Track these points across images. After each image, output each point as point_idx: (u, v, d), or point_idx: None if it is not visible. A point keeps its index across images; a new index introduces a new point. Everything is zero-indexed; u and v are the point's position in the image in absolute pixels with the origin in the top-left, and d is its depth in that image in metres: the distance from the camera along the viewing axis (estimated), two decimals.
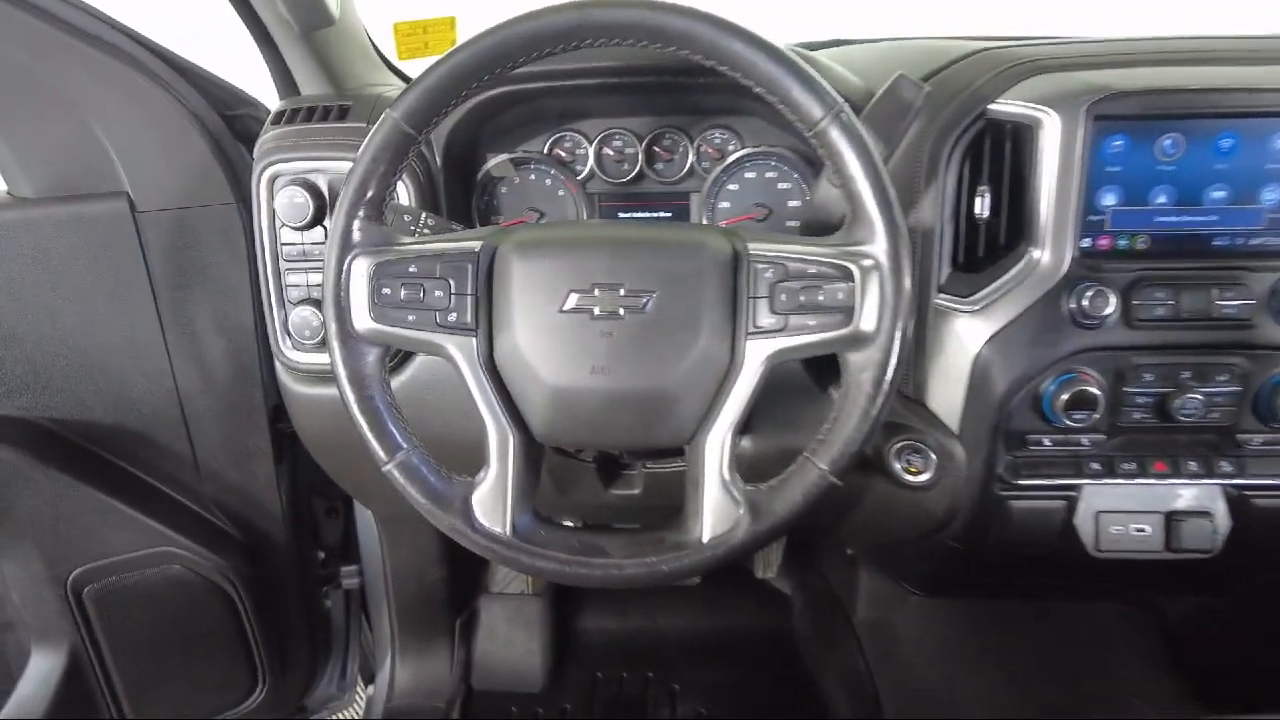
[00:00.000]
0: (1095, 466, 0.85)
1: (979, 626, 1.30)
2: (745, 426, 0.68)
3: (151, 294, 1.04)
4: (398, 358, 0.92)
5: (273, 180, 0.91)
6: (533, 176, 1.02)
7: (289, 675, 1.32)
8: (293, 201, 0.88)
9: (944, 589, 1.21)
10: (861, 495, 0.92)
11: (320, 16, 0.95)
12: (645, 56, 0.87)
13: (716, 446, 0.65)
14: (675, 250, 0.66)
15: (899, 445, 0.84)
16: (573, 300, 0.65)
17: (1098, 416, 0.81)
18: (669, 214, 1.03)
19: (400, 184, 0.88)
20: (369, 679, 1.52)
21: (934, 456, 0.83)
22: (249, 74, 1.08)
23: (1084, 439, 0.84)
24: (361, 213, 0.66)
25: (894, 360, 0.62)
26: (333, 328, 0.66)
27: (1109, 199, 0.82)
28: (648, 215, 1.04)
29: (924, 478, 0.84)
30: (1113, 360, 0.81)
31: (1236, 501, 0.84)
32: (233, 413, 1.12)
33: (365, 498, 1.23)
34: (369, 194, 0.66)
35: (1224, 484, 0.83)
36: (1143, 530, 0.85)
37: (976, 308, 0.82)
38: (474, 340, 0.66)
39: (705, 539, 0.65)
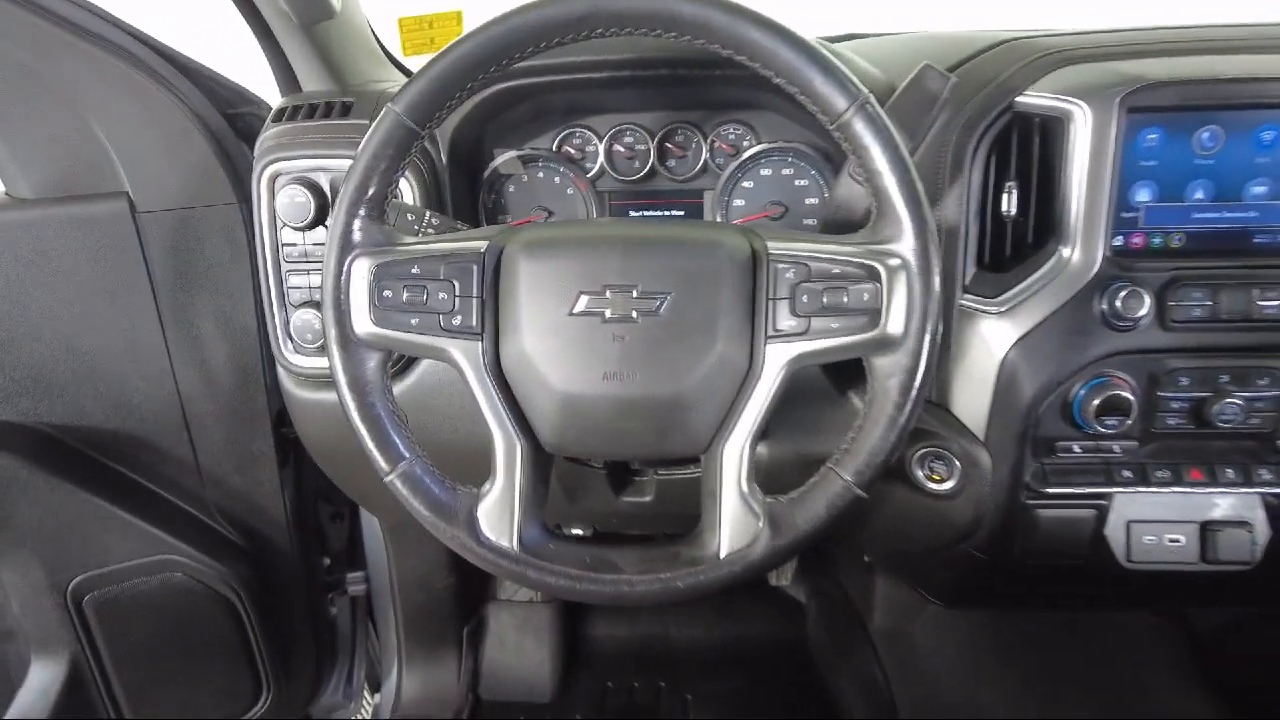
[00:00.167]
0: (1127, 474, 0.82)
1: (1001, 636, 1.26)
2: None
3: (152, 296, 1.02)
4: (401, 362, 0.89)
5: (273, 179, 0.89)
6: (541, 174, 0.99)
7: (294, 683, 1.31)
8: (294, 201, 0.86)
9: (966, 600, 1.17)
10: (881, 503, 0.89)
11: (320, 9, 0.93)
12: (658, 48, 0.84)
13: (734, 456, 0.62)
14: (690, 249, 0.63)
15: (921, 452, 0.81)
16: (583, 303, 0.62)
17: (1130, 422, 0.78)
18: (681, 212, 1.00)
19: (404, 182, 0.86)
20: (375, 686, 1.50)
21: (958, 464, 0.81)
22: (253, 72, 1.06)
23: (1115, 446, 0.81)
24: (362, 211, 0.63)
25: (923, 366, 0.59)
26: (332, 332, 0.64)
27: (1143, 195, 0.78)
28: (660, 214, 1.01)
29: (948, 486, 0.81)
30: (1146, 364, 0.78)
31: (1276, 510, 0.80)
32: (235, 417, 1.11)
33: (371, 505, 1.20)
34: (370, 192, 0.63)
35: (1263, 493, 0.80)
36: (1177, 541, 0.82)
37: (1003, 309, 0.79)
38: (479, 345, 0.63)
39: (722, 554, 0.62)
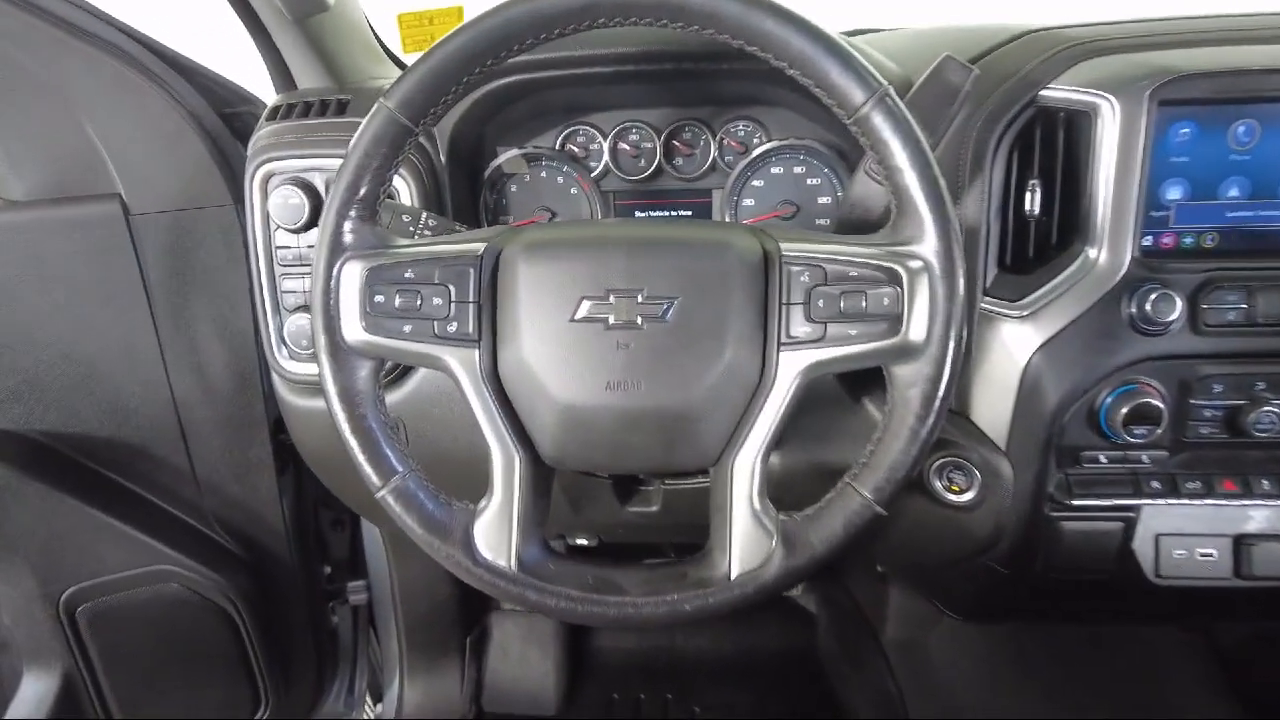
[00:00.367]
0: (1156, 485, 0.79)
1: (1020, 649, 1.23)
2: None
3: (147, 300, 1.00)
4: (398, 368, 0.87)
5: (266, 179, 0.86)
6: (543, 174, 0.97)
7: (293, 693, 1.29)
8: (287, 202, 0.83)
9: (984, 614, 1.14)
10: (897, 514, 0.85)
11: (313, 2, 0.90)
12: (664, 40, 0.81)
13: (746, 470, 0.59)
14: (699, 251, 0.60)
15: (940, 461, 0.78)
16: (585, 308, 0.59)
17: (1160, 431, 0.76)
18: (689, 213, 0.98)
19: (401, 182, 0.84)
20: (377, 696, 1.48)
21: (978, 474, 0.78)
22: (252, 71, 1.04)
23: (1144, 456, 0.79)
24: (353, 213, 0.61)
25: (947, 374, 0.56)
26: (321, 339, 0.61)
27: (1174, 193, 0.76)
28: (666, 214, 0.99)
29: (967, 497, 0.79)
30: (1178, 370, 0.76)
31: None
32: (233, 424, 1.09)
33: (370, 514, 1.18)
34: (361, 192, 0.60)
35: None
36: (1209, 555, 0.79)
37: (1026, 313, 0.76)
38: (476, 353, 0.60)
39: (733, 575, 0.59)
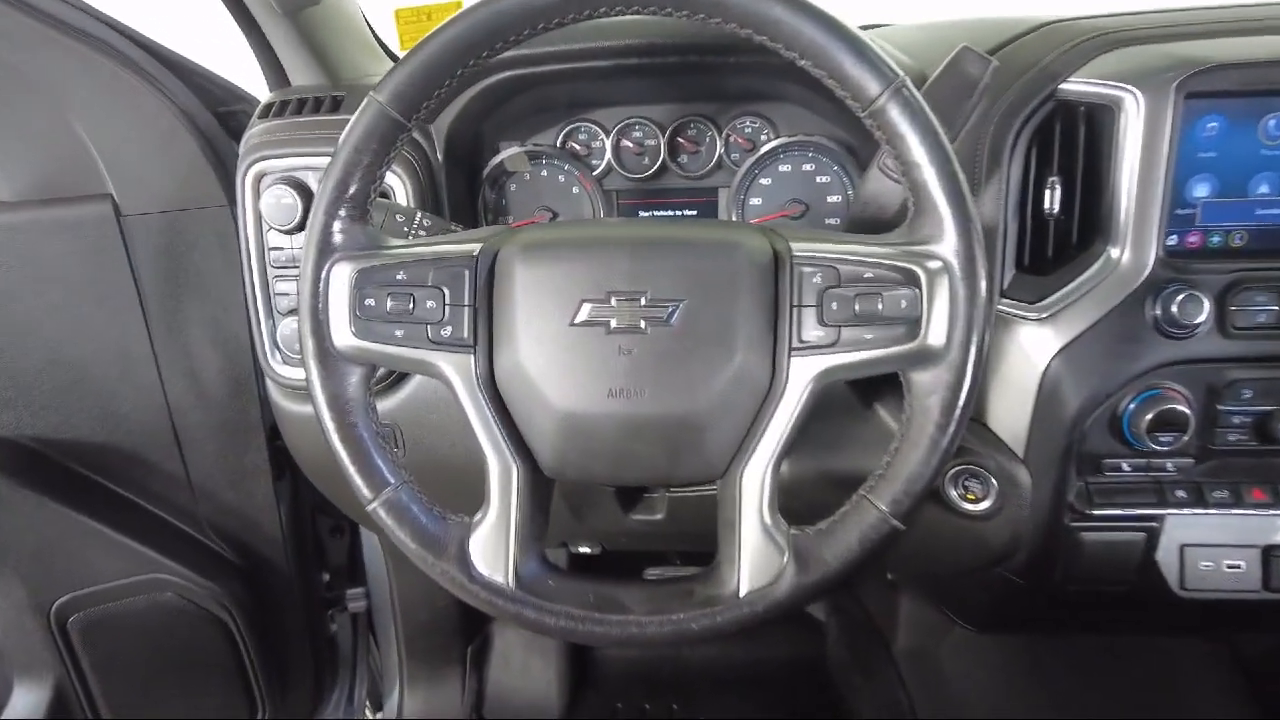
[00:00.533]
0: (1181, 494, 0.76)
1: (1035, 659, 1.20)
2: None
3: (140, 303, 0.99)
4: (394, 374, 0.84)
5: (259, 179, 0.85)
6: (544, 172, 0.95)
7: (291, 702, 1.27)
8: (280, 202, 0.81)
9: (998, 625, 1.11)
10: (910, 522, 0.83)
11: None
12: (668, 32, 0.79)
13: (755, 482, 0.56)
14: (705, 251, 0.57)
15: (955, 470, 0.76)
16: (586, 311, 0.56)
17: (1186, 439, 0.73)
18: (694, 212, 0.96)
19: (396, 181, 0.82)
20: (377, 705, 1.46)
21: (995, 482, 0.77)
22: (248, 69, 1.02)
23: (1169, 464, 0.76)
24: (343, 212, 0.58)
25: (969, 381, 0.53)
26: (309, 344, 0.58)
27: (1201, 190, 0.73)
28: (671, 214, 0.96)
29: (983, 506, 0.77)
30: (1205, 374, 0.73)
31: None
32: (228, 429, 1.07)
33: (368, 522, 1.15)
34: (351, 190, 0.58)
35: None
36: (1236, 566, 0.76)
37: (1044, 315, 0.74)
38: (471, 358, 0.58)
39: (742, 593, 0.56)
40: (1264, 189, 0.72)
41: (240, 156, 0.85)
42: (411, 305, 0.57)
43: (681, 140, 0.93)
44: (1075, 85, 0.73)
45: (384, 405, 0.86)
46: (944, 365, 0.54)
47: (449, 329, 0.58)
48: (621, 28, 0.80)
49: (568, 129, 0.93)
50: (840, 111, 0.85)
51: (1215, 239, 0.74)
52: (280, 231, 0.83)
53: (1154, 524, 0.76)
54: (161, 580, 1.07)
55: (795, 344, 0.55)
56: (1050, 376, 0.74)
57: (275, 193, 0.81)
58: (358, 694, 1.43)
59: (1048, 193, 0.75)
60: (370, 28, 1.06)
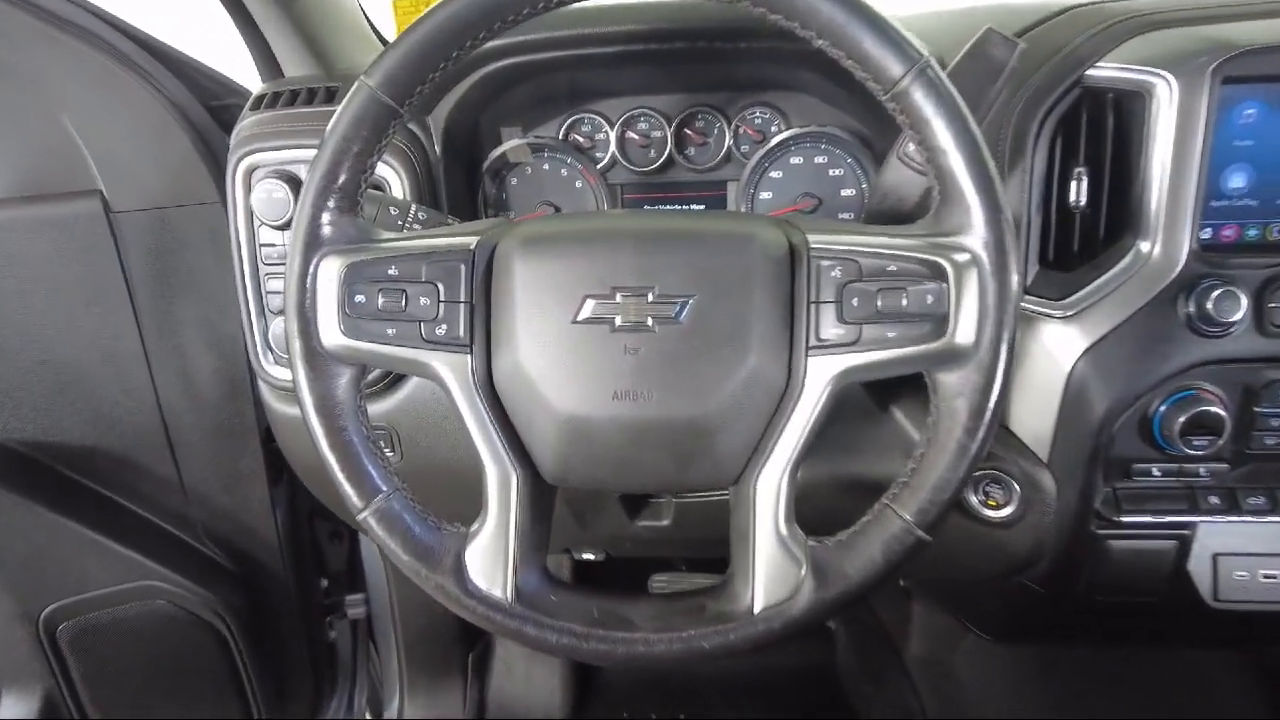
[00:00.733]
0: (1214, 501, 0.74)
1: (1053, 669, 1.17)
2: None
3: (130, 303, 0.97)
4: (390, 374, 0.81)
5: (249, 173, 0.82)
6: (546, 166, 0.92)
7: (289, 711, 1.25)
8: (271, 196, 0.78)
9: (1017, 635, 1.08)
10: (936, 534, 0.80)
11: None
12: (675, 17, 0.77)
13: (770, 490, 0.53)
14: (716, 244, 0.54)
15: (977, 475, 0.74)
16: (589, 308, 0.53)
17: (1222, 442, 0.71)
18: (702, 206, 0.93)
19: (392, 174, 0.80)
20: (378, 712, 1.45)
21: (1017, 488, 0.75)
22: (242, 62, 0.99)
23: (1202, 468, 0.74)
24: (331, 203, 0.55)
25: (998, 382, 0.50)
26: (296, 344, 0.55)
27: (1237, 180, 0.70)
28: (678, 208, 0.94)
29: (1005, 512, 0.75)
30: (1241, 374, 0.71)
31: None
32: (222, 432, 1.06)
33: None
34: (340, 180, 0.55)
35: None
36: (1273, 577, 0.74)
37: (1070, 313, 0.72)
38: (468, 358, 0.55)
39: (757, 609, 0.53)
40: None
41: (230, 149, 0.83)
42: (404, 302, 0.54)
43: (689, 132, 0.90)
44: (1103, 71, 0.70)
45: (380, 407, 0.84)
46: (972, 365, 0.50)
47: (444, 327, 0.55)
48: (626, 12, 0.78)
49: (570, 120, 0.91)
50: (855, 101, 0.83)
51: (1252, 232, 0.71)
52: (272, 227, 0.81)
53: (1186, 532, 0.74)
54: (154, 587, 1.05)
55: (813, 343, 0.52)
56: (1076, 377, 0.72)
57: (266, 186, 0.78)
58: (357, 702, 1.41)
59: (1073, 184, 0.72)
60: (366, 17, 1.04)
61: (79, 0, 0.93)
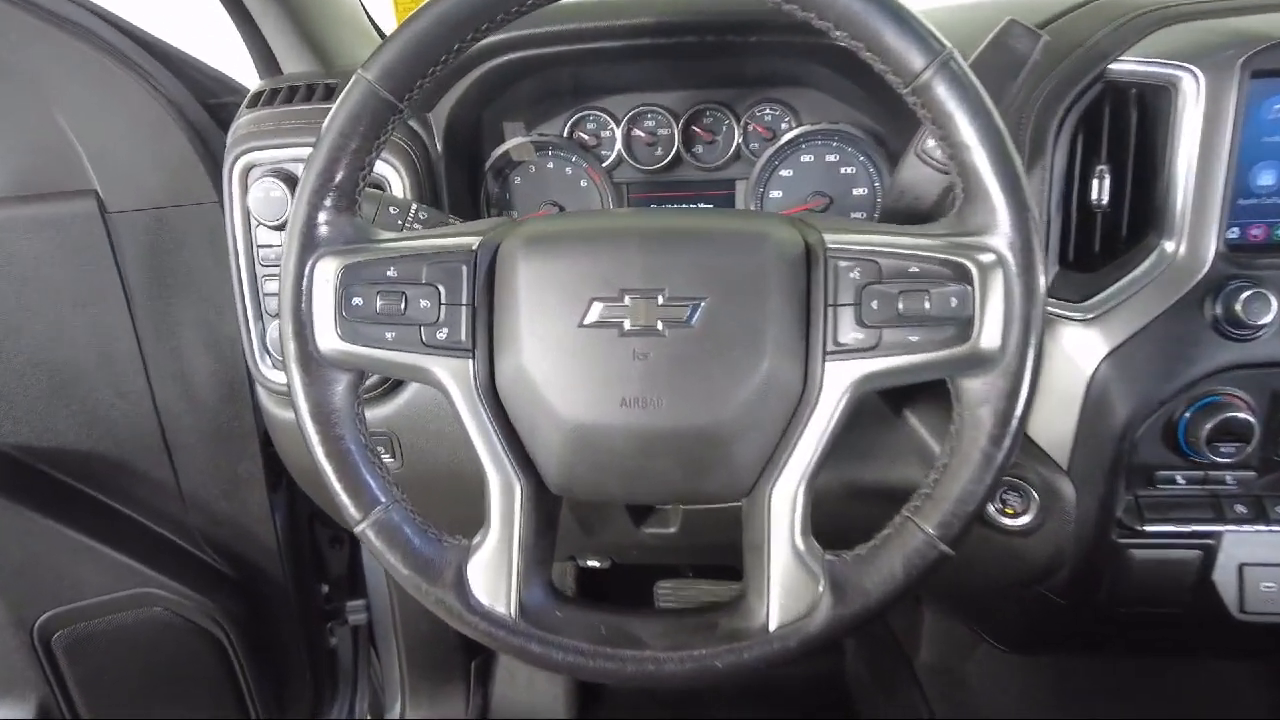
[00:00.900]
0: (1241, 510, 0.72)
1: (1068, 678, 1.15)
2: None
3: (127, 304, 0.96)
4: (388, 380, 0.79)
5: (246, 171, 0.80)
6: (550, 164, 0.90)
7: (289, 718, 1.22)
8: (269, 196, 0.77)
9: (1034, 646, 1.05)
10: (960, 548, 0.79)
11: None
12: (683, 9, 0.75)
13: (786, 502, 0.51)
14: (729, 244, 0.52)
15: None
16: (596, 311, 0.51)
17: (1250, 450, 0.69)
18: (710, 206, 0.91)
19: (392, 172, 0.78)
20: None
21: (1036, 495, 0.73)
22: (241, 59, 0.97)
23: (1228, 476, 0.72)
24: (328, 201, 0.53)
25: (1025, 389, 0.48)
26: (291, 347, 0.53)
27: (1267, 177, 0.68)
28: (686, 207, 0.92)
29: (1023, 520, 0.73)
30: (1270, 379, 0.69)
31: None
32: (220, 436, 1.04)
33: None
34: (337, 177, 0.53)
35: None
36: None
37: (1091, 315, 0.70)
38: (470, 363, 0.53)
39: (772, 626, 0.50)
40: None
41: (227, 148, 0.81)
42: (403, 305, 0.52)
43: (696, 129, 0.88)
44: (1126, 65, 0.69)
45: (380, 411, 0.82)
46: (998, 371, 0.48)
47: (445, 331, 0.53)
48: (633, 5, 0.76)
49: (575, 118, 0.89)
50: (867, 97, 0.81)
51: None
52: (269, 227, 0.79)
53: (1211, 541, 0.72)
54: (150, 594, 1.04)
55: (830, 347, 0.50)
56: (1097, 382, 0.70)
57: (264, 186, 0.77)
58: (359, 710, 1.39)
59: (1095, 182, 0.71)
60: (366, 11, 1.02)
61: None
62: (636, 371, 0.51)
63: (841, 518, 0.62)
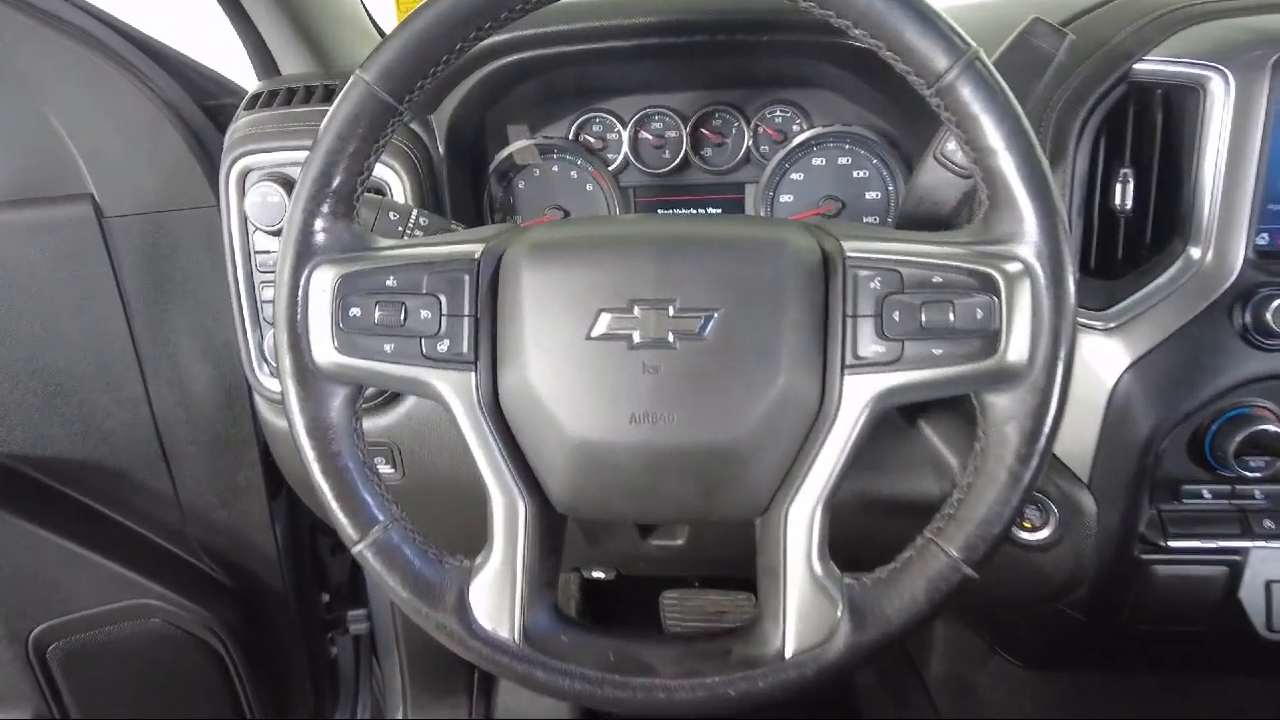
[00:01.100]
0: (1269, 525, 0.71)
1: (1084, 692, 1.12)
2: None
3: (123, 310, 0.95)
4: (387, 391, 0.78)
5: (244, 175, 0.79)
6: (555, 168, 0.88)
7: None
8: (266, 201, 0.75)
9: (1051, 662, 1.03)
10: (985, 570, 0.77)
11: None
12: (692, 8, 0.72)
13: (802, 523, 0.48)
14: (743, 252, 0.50)
15: None
16: (605, 323, 0.49)
17: None
18: (719, 210, 0.89)
19: (393, 176, 0.77)
20: None
21: (1055, 509, 0.71)
22: (240, 60, 0.96)
23: (1257, 490, 0.70)
24: (325, 207, 0.51)
25: (1054, 405, 0.46)
26: (286, 360, 0.51)
27: None
28: (694, 212, 0.90)
29: (1042, 535, 0.71)
30: None
31: None
32: (219, 444, 1.03)
33: None
34: (334, 183, 0.51)
35: None
36: None
37: (1113, 324, 0.68)
38: (472, 377, 0.51)
39: (788, 653, 0.48)
40: None
41: (224, 151, 0.80)
42: (403, 316, 0.50)
43: (705, 131, 0.86)
44: (1151, 65, 0.67)
45: (380, 422, 0.81)
46: (1025, 386, 0.46)
47: (446, 343, 0.50)
48: (641, 3, 0.74)
49: (580, 120, 0.87)
50: (881, 98, 0.79)
51: None
52: (266, 233, 0.77)
53: (1237, 557, 0.71)
54: (148, 606, 1.03)
55: (850, 361, 0.48)
56: (1120, 393, 0.69)
57: (261, 190, 0.75)
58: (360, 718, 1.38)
59: (1118, 186, 0.69)
60: (366, 10, 1.01)
61: None
62: (646, 386, 0.49)
63: (853, 530, 0.60)
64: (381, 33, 1.01)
